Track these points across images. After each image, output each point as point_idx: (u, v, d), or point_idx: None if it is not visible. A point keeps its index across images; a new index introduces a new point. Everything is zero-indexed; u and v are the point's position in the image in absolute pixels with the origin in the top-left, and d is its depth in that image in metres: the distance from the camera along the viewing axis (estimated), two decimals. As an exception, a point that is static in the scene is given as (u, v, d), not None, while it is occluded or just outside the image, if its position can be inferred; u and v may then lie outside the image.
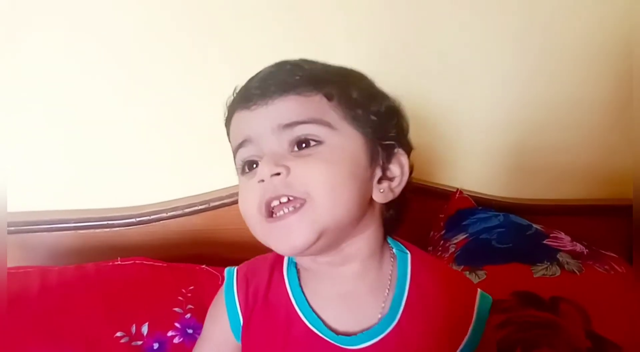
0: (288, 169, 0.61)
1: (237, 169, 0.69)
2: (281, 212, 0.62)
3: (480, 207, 1.33)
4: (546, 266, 1.11)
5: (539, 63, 1.35)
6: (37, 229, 1.22)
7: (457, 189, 1.37)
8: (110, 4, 1.17)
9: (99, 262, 1.10)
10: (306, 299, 0.69)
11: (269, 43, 1.23)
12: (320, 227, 0.62)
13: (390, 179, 0.68)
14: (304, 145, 0.63)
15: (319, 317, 0.68)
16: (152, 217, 1.26)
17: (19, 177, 1.23)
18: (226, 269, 0.77)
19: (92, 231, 1.24)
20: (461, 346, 0.68)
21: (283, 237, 0.63)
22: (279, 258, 0.74)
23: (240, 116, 0.66)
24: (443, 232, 1.31)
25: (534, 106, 1.39)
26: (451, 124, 1.37)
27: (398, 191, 0.69)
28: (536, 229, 1.22)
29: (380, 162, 0.67)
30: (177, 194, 1.31)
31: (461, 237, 1.24)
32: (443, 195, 1.37)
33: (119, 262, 1.10)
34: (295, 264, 0.73)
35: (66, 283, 1.03)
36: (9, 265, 1.04)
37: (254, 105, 0.64)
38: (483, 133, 1.40)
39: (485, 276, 1.10)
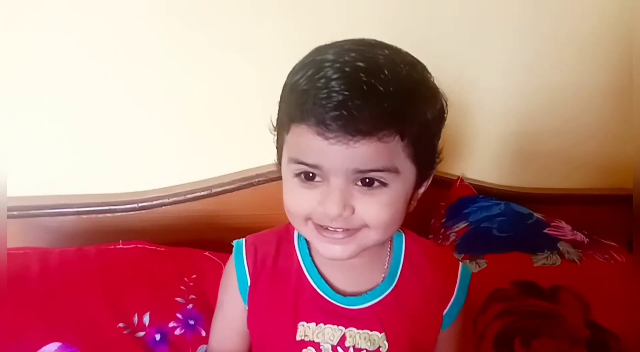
0: (353, 210, 0.66)
1: (286, 167, 0.70)
2: (332, 229, 0.69)
3: (481, 196, 1.33)
4: (547, 255, 1.11)
5: (541, 53, 1.34)
6: (40, 214, 1.22)
7: (458, 177, 1.37)
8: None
9: (100, 245, 1.10)
10: (316, 267, 0.77)
11: (272, 29, 1.23)
12: (362, 248, 0.70)
13: (418, 189, 0.74)
14: (367, 180, 0.66)
15: (327, 282, 0.77)
16: (154, 202, 1.26)
17: (22, 162, 1.23)
18: (234, 241, 0.82)
19: (94, 216, 1.24)
20: (447, 307, 0.78)
21: (329, 248, 0.70)
22: (287, 233, 0.82)
23: (312, 139, 0.64)
24: (444, 220, 1.31)
25: (536, 96, 1.38)
26: (453, 113, 1.36)
27: (420, 195, 0.75)
28: (537, 218, 1.23)
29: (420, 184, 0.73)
30: (179, 180, 1.31)
31: (462, 225, 1.25)
32: (444, 183, 1.37)
33: (121, 246, 1.10)
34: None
35: (66, 266, 1.02)
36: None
37: (333, 139, 0.62)
38: (484, 122, 1.40)
39: (485, 265, 1.10)
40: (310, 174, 0.67)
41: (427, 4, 1.27)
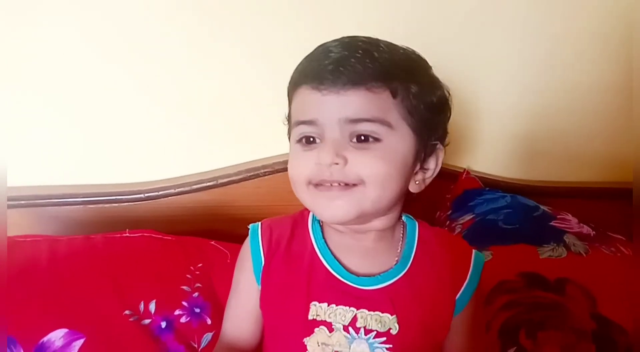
0: (346, 160, 0.68)
1: (291, 135, 0.75)
2: (329, 185, 0.71)
3: (487, 188, 1.33)
4: (552, 247, 1.11)
5: (548, 54, 1.35)
6: (47, 204, 1.22)
7: (465, 169, 1.37)
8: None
9: (107, 234, 1.10)
10: (329, 249, 0.79)
11: (279, 23, 1.24)
12: (361, 210, 0.70)
13: (425, 171, 0.76)
14: (362, 138, 0.69)
15: (340, 263, 0.78)
16: (161, 193, 1.26)
17: (29, 152, 1.24)
18: (251, 224, 0.84)
19: (101, 205, 1.25)
20: (460, 291, 0.79)
21: (327, 205, 0.71)
22: (302, 218, 0.83)
23: (309, 95, 0.70)
24: (449, 212, 1.31)
25: (543, 93, 1.38)
26: (461, 109, 1.36)
27: (429, 181, 0.78)
28: (543, 210, 1.22)
29: (422, 157, 0.75)
30: (185, 170, 1.31)
31: (468, 217, 1.25)
32: (450, 175, 1.37)
33: (128, 234, 1.10)
34: (320, 221, 0.82)
35: (74, 254, 1.03)
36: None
37: (326, 90, 0.68)
38: (492, 119, 1.40)
39: (491, 257, 1.10)
40: (311, 139, 0.71)
41: (437, 6, 1.28)
